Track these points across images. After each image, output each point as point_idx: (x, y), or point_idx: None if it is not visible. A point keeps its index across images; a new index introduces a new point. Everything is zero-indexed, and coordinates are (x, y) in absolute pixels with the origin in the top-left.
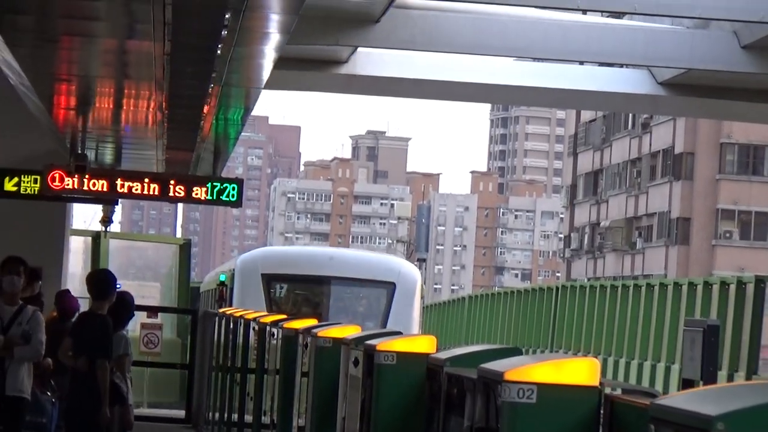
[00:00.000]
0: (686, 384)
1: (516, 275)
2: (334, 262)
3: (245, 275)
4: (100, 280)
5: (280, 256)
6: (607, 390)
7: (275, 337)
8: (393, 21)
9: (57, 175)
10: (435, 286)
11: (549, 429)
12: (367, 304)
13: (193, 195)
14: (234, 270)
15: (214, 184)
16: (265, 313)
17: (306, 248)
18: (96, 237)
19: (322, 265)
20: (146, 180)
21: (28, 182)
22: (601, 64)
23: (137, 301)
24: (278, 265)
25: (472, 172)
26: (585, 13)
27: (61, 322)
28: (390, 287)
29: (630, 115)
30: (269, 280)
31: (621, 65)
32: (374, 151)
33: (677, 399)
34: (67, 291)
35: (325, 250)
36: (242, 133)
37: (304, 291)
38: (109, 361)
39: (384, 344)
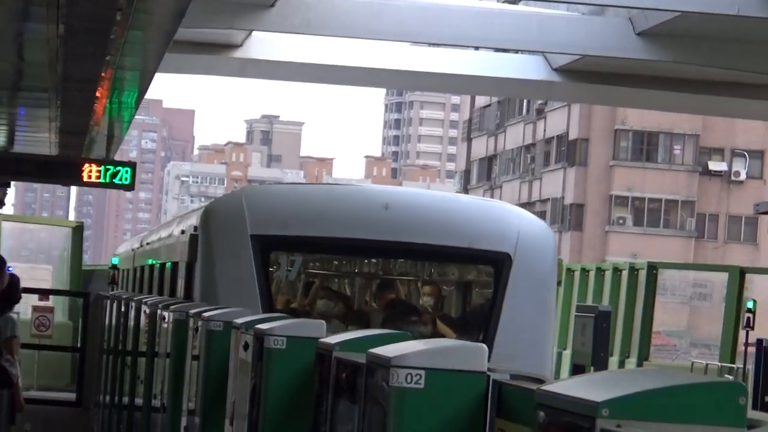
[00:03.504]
0: (577, 370)
1: None
2: (393, 216)
3: (218, 241)
4: None
5: (286, 201)
6: (496, 375)
7: (166, 320)
8: (288, 5)
9: None
10: None
11: (437, 414)
12: (453, 299)
13: (87, 178)
14: (195, 231)
15: (108, 167)
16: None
17: (334, 187)
18: None
19: (369, 220)
20: (39, 162)
21: None
22: (496, 50)
23: (29, 284)
24: (285, 220)
25: (366, 157)
26: None
27: None
28: (500, 263)
29: (524, 100)
30: (266, 248)
31: (516, 51)
32: (268, 135)
33: (564, 385)
34: None
35: (373, 189)
36: (136, 117)
37: (333, 271)
38: None
39: (274, 328)
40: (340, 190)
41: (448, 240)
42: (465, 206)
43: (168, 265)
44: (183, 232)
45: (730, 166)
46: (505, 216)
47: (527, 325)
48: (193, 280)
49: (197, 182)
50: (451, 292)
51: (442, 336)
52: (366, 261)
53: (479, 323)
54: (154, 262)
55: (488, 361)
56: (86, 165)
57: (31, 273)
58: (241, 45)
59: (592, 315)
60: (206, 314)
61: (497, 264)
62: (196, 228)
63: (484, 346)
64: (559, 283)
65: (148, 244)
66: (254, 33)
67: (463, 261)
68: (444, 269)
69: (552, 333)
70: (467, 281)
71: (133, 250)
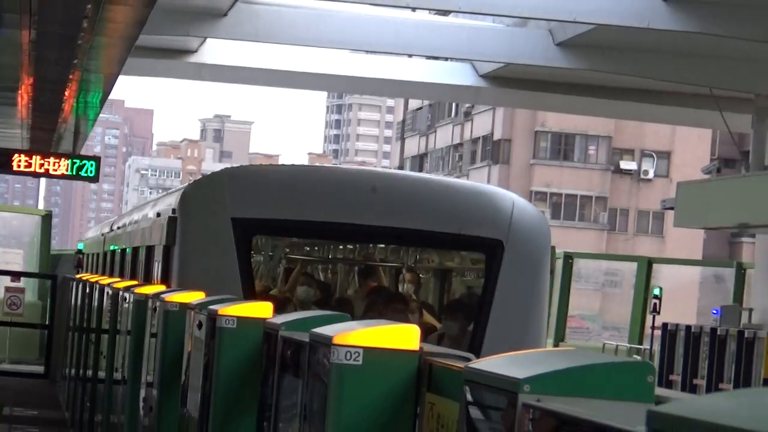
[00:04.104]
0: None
1: None
2: (380, 199)
3: (198, 223)
4: None
5: (269, 182)
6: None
7: (127, 301)
8: (239, 15)
9: None
10: None
11: (374, 388)
12: (440, 289)
13: (55, 170)
14: (174, 213)
15: (74, 160)
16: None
17: (320, 168)
18: None
19: (355, 203)
20: (12, 156)
21: None
22: (428, 58)
23: (2, 267)
24: (267, 202)
25: (309, 154)
26: (414, 11)
27: None
28: (492, 250)
29: (453, 104)
30: (247, 232)
31: (446, 59)
32: (220, 133)
33: (489, 363)
34: None
35: (360, 171)
36: (100, 115)
37: (316, 257)
38: None
39: (225, 309)
40: (325, 171)
41: (437, 225)
42: (456, 190)
43: (142, 248)
44: (159, 215)
45: (639, 166)
46: (497, 201)
47: (520, 314)
48: (171, 264)
49: (155, 175)
50: (438, 284)
51: (429, 324)
52: (350, 246)
53: (470, 312)
54: (126, 246)
55: (480, 350)
56: (55, 158)
57: (4, 257)
58: (196, 51)
59: None
60: (164, 295)
61: (489, 251)
62: (174, 210)
63: (417, 327)
64: (551, 272)
65: (119, 228)
66: (208, 40)
67: (453, 247)
68: (433, 255)
69: (545, 322)
70: (457, 268)
71: (102, 234)
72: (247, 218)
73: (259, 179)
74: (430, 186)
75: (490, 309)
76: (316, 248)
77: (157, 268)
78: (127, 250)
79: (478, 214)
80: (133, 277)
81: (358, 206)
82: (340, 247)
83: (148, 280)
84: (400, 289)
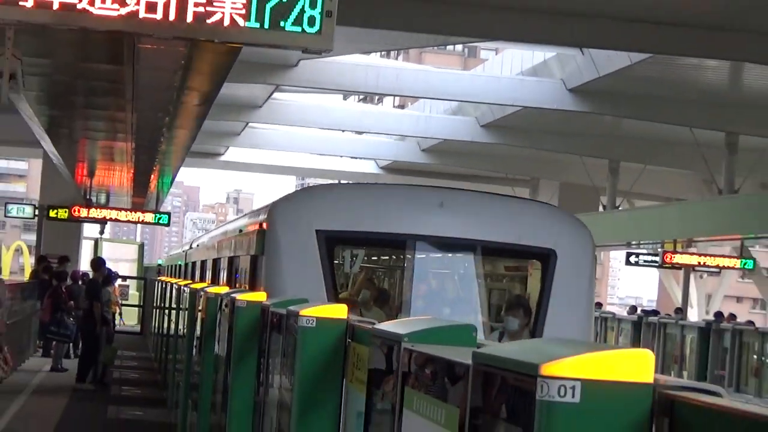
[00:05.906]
0: None
1: None
2: (447, 213)
3: (285, 235)
4: (96, 262)
5: (348, 199)
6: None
7: (185, 292)
8: (247, 135)
9: (76, 209)
10: None
11: (323, 340)
12: (499, 290)
13: (145, 219)
14: (263, 226)
15: (156, 214)
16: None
17: (392, 186)
18: (96, 241)
19: (425, 217)
20: (122, 212)
21: (62, 212)
22: (351, 158)
23: (117, 273)
24: (347, 216)
25: None
26: (343, 132)
27: (73, 283)
28: (546, 259)
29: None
30: (329, 242)
31: (360, 158)
32: (237, 200)
33: (385, 325)
34: (76, 270)
35: (428, 189)
36: (170, 189)
37: (388, 265)
38: (100, 304)
39: (239, 296)
40: (398, 189)
41: (498, 236)
42: (513, 205)
43: (224, 259)
44: (241, 231)
45: None
46: (550, 215)
47: (570, 313)
48: (259, 271)
49: (202, 223)
50: (496, 286)
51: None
52: (422, 257)
53: (527, 312)
54: (207, 258)
55: None
56: (145, 212)
57: (118, 267)
58: (223, 154)
59: None
60: (206, 290)
61: (543, 258)
62: (262, 224)
63: (345, 306)
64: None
65: (198, 245)
66: (230, 148)
67: (512, 256)
68: (492, 263)
69: (592, 318)
70: (513, 276)
71: (184, 251)
72: (329, 230)
73: (340, 196)
74: (491, 201)
75: (547, 309)
76: (379, 257)
77: (243, 275)
78: (207, 261)
79: (534, 227)
80: (214, 281)
81: (427, 219)
82: (400, 256)
83: (230, 283)
84: (459, 293)
